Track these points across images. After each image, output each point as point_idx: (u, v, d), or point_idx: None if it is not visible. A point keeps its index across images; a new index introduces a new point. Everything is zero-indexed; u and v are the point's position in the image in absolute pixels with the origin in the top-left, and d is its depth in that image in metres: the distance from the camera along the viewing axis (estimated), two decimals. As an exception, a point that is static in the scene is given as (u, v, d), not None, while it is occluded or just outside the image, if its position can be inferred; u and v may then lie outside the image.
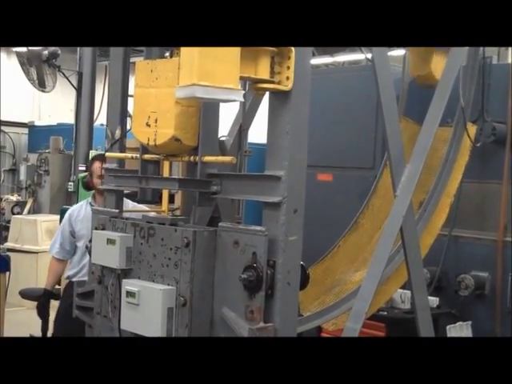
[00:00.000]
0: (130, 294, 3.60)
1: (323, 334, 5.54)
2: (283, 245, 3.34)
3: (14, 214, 12.24)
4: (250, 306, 3.35)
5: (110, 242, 3.78)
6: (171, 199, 7.14)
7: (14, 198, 13.37)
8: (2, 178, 15.30)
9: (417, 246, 4.21)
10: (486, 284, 6.16)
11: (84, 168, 12.33)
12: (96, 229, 4.15)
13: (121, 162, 4.28)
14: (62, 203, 11.86)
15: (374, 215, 5.32)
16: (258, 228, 3.34)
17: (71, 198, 11.79)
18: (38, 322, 8.14)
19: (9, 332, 6.39)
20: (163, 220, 3.73)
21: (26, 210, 12.56)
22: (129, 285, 3.64)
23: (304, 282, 3.49)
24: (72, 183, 12.08)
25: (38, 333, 7.98)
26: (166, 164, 4.77)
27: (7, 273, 6.35)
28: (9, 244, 10.53)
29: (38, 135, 14.67)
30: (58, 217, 10.57)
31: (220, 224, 3.53)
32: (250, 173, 3.53)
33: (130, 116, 3.97)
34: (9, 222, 11.51)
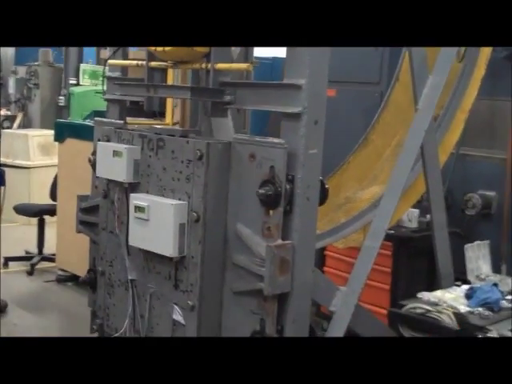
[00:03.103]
0: (138, 208, 3.43)
1: (328, 253, 5.43)
2: (303, 158, 3.15)
3: (3, 128, 11.93)
4: (267, 222, 3.19)
5: (117, 154, 3.59)
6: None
7: (3, 112, 13.02)
8: (-12, 92, 14.89)
9: (437, 163, 4.05)
10: (492, 203, 6.02)
11: (75, 82, 12.00)
12: (99, 140, 3.95)
13: (124, 70, 4.05)
14: (52, 118, 11.55)
15: (385, 131, 5.11)
16: (277, 140, 3.15)
17: (62, 113, 11.48)
18: (33, 238, 8.03)
19: (5, 249, 6.23)
20: (173, 131, 3.53)
21: (15, 125, 12.23)
22: (137, 199, 3.47)
23: (323, 197, 3.32)
24: (63, 97, 11.74)
25: (34, 249, 7.90)
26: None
27: (2, 188, 6.14)
28: (-1, 159, 10.27)
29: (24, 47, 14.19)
30: (50, 131, 10.31)
31: (235, 136, 3.34)
32: (268, 81, 3.30)
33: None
34: (-1, 136, 11.22)
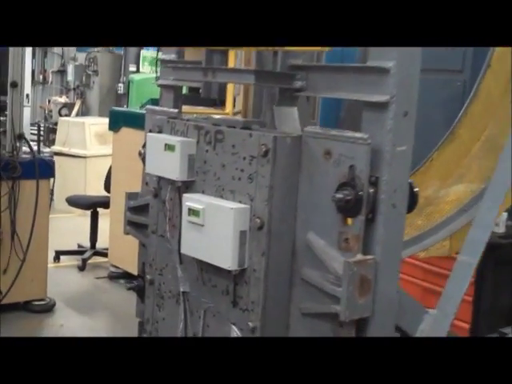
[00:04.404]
0: (192, 211, 2.95)
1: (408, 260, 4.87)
2: (389, 157, 2.61)
3: (61, 116, 11.66)
4: (344, 232, 2.66)
5: (169, 147, 3.11)
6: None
7: (62, 99, 12.77)
8: (50, 79, 14.68)
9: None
10: None
11: (134, 69, 11.65)
12: (150, 131, 3.48)
13: (179, 52, 3.56)
14: (111, 106, 11.23)
15: (473, 124, 4.51)
16: (359, 135, 2.61)
17: (121, 100, 11.15)
18: (87, 230, 7.68)
19: (56, 241, 5.89)
20: (234, 122, 3.03)
21: (73, 113, 11.96)
22: (191, 200, 2.98)
23: (412, 204, 2.78)
24: (122, 85, 11.39)
25: (87, 243, 7.55)
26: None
27: (51, 179, 5.77)
28: (56, 147, 10.00)
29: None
30: (107, 120, 9.98)
31: (306, 129, 2.81)
32: (348, 64, 2.77)
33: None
34: (56, 124, 10.95)
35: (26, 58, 5.53)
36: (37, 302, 5.69)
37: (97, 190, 8.53)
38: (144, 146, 3.57)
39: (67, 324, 5.60)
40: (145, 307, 3.57)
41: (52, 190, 5.74)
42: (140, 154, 3.57)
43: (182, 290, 3.18)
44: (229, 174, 2.93)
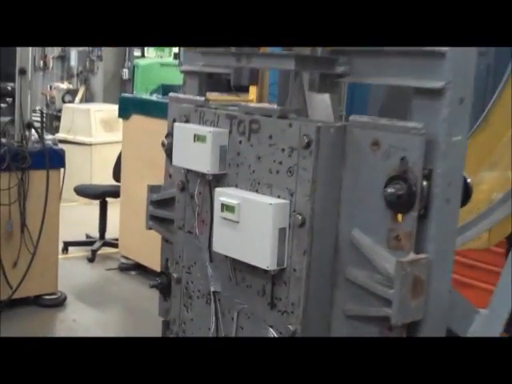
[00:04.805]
0: (226, 207, 2.75)
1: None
2: (444, 147, 2.42)
3: (65, 102, 11.41)
4: (395, 229, 2.46)
5: (199, 138, 2.90)
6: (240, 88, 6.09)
7: (65, 85, 12.50)
8: (51, 65, 14.41)
9: None
10: None
11: (140, 54, 11.40)
12: (174, 121, 3.28)
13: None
14: (116, 92, 11.00)
15: (506, 110, 4.32)
16: (412, 124, 2.41)
17: (126, 86, 10.91)
18: (94, 219, 7.48)
19: (63, 231, 5.68)
20: (269, 111, 2.81)
21: (77, 99, 11.70)
22: (225, 195, 2.78)
23: (465, 198, 2.58)
24: (127, 70, 11.14)
25: (95, 233, 7.36)
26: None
27: (61, 169, 5.56)
28: (60, 135, 9.78)
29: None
30: (113, 106, 9.75)
31: (352, 117, 2.60)
32: (397, 47, 2.55)
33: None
34: (60, 111, 10.73)
35: (29, 44, 5.29)
36: (48, 297, 5.50)
37: (103, 178, 8.33)
38: (167, 136, 3.37)
39: (79, 319, 5.42)
40: (170, 306, 3.38)
41: (63, 181, 5.51)
42: (163, 144, 3.36)
43: (212, 289, 2.99)
44: (265, 166, 2.73)
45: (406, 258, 2.39)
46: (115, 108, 9.36)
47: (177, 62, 10.73)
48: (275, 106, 2.86)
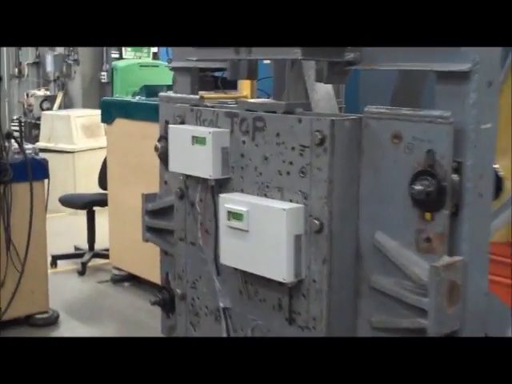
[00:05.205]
0: (233, 215, 2.50)
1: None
2: (474, 136, 2.18)
3: (43, 109, 11.08)
4: (424, 230, 2.22)
5: (198, 140, 2.64)
6: (226, 85, 5.80)
7: (42, 92, 12.16)
8: (26, 72, 14.03)
9: None
10: None
11: (117, 55, 11.09)
12: (167, 123, 3.03)
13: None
14: (95, 96, 10.69)
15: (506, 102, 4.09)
16: (437, 112, 2.17)
17: (105, 90, 10.60)
18: (81, 230, 7.18)
19: (50, 244, 5.38)
20: (273, 106, 2.56)
21: (56, 106, 11.36)
22: (231, 202, 2.52)
23: (497, 191, 2.35)
24: (105, 73, 10.81)
25: (84, 244, 7.07)
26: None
27: (45, 180, 5.27)
28: (40, 143, 9.43)
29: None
30: (93, 111, 9.44)
31: (368, 108, 2.35)
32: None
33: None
34: (38, 119, 10.39)
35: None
36: (39, 316, 5.19)
37: (88, 186, 8.03)
38: (160, 139, 3.11)
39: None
40: (174, 324, 3.13)
41: (47, 193, 5.21)
42: (156, 149, 3.11)
43: (222, 305, 2.74)
44: (274, 168, 2.48)
45: (440, 262, 2.15)
46: (96, 113, 9.07)
47: (156, 62, 10.45)
48: (279, 101, 2.60)
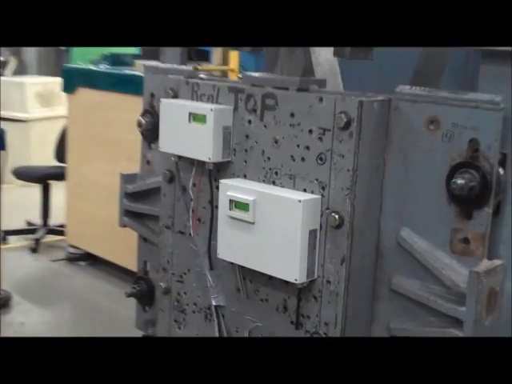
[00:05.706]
0: (238, 204, 2.19)
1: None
2: (523, 124, 1.92)
3: (-7, 75, 10.52)
4: (461, 230, 1.96)
5: (196, 118, 2.32)
6: (204, 57, 5.43)
7: (-8, 57, 11.57)
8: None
9: None
10: None
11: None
12: (153, 95, 2.70)
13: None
14: (51, 63, 10.18)
15: None
16: (486, 96, 1.90)
17: (62, 57, 10.08)
18: (34, 203, 6.78)
19: (2, 218, 4.99)
20: (285, 82, 2.25)
21: (8, 72, 10.80)
22: (235, 189, 2.21)
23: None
24: (62, 39, 10.29)
25: (37, 219, 6.67)
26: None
27: (1, 152, 4.88)
28: (-9, 111, 8.94)
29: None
30: (50, 79, 8.95)
31: (399, 89, 2.07)
32: None
33: None
34: (-12, 85, 9.83)
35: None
36: (-11, 297, 4.83)
37: (43, 158, 7.59)
38: (144, 113, 2.78)
39: (28, 321, 4.78)
40: (151, 318, 2.82)
41: (3, 164, 4.81)
42: (140, 124, 2.77)
43: (214, 303, 2.44)
44: (285, 152, 2.17)
45: (481, 267, 1.89)
46: (53, 80, 8.60)
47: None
48: (289, 76, 2.29)
